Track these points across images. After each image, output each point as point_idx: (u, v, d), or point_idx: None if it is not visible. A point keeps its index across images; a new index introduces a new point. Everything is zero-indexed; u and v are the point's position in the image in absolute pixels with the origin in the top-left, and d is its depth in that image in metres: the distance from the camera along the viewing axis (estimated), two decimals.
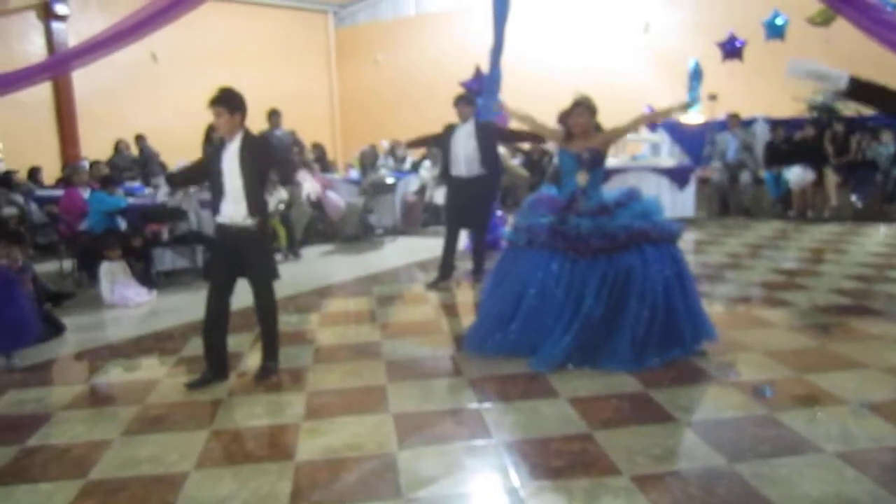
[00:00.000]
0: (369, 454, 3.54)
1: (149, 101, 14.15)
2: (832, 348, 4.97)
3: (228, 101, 4.40)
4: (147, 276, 7.33)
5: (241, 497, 3.16)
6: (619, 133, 5.34)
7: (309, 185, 9.81)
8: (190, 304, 6.67)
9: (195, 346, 5.42)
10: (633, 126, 5.28)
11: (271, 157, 4.75)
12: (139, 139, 12.74)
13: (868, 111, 10.77)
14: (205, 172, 4.85)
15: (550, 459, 3.42)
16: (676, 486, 3.15)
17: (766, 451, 3.41)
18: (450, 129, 7.14)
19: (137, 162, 12.41)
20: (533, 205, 5.17)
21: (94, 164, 10.10)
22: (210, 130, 8.87)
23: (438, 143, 7.42)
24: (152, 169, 11.87)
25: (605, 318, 4.63)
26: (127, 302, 6.80)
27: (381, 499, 3.11)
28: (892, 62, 6.43)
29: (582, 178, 4.99)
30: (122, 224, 7.79)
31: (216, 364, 4.62)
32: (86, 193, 8.15)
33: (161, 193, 8.35)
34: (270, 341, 4.79)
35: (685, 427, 3.75)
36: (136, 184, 10.98)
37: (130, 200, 8.34)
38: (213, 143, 8.83)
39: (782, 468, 3.23)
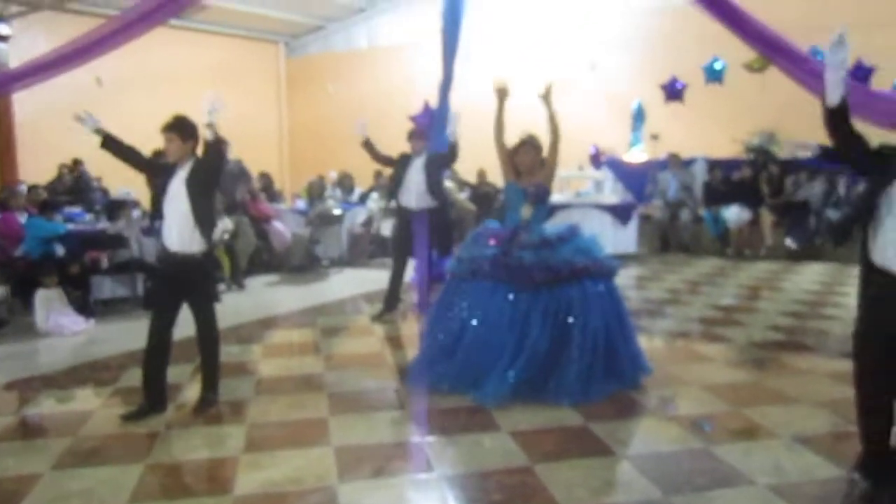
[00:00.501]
0: (310, 488, 3.50)
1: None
2: (767, 383, 5.12)
3: (181, 128, 4.39)
4: (85, 305, 7.14)
5: None
6: (552, 157, 5.29)
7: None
8: (128, 333, 6.52)
9: (132, 377, 5.30)
10: (554, 143, 5.27)
11: (217, 174, 4.71)
12: (76, 164, 12.46)
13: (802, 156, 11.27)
14: (144, 166, 4.87)
15: (491, 493, 3.43)
16: None
17: (702, 483, 3.49)
18: (405, 159, 7.24)
19: (74, 188, 12.09)
20: (476, 238, 5.24)
21: (31, 188, 9.85)
22: (156, 156, 8.76)
23: (390, 164, 7.48)
24: (90, 196, 11.59)
25: (549, 352, 4.69)
26: (62, 330, 6.61)
27: None
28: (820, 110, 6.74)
29: (527, 212, 5.08)
30: (60, 250, 7.59)
31: (154, 395, 4.51)
32: (22, 218, 7.93)
33: (101, 221, 8.16)
34: (211, 372, 4.70)
35: (623, 460, 3.81)
36: (77, 209, 10.72)
37: (69, 226, 8.14)
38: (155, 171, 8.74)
39: (716, 500, 3.31)
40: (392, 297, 7.23)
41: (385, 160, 7.55)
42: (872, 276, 3.18)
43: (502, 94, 5.39)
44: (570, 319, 4.73)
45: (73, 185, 12.19)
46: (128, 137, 4.73)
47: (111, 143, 4.59)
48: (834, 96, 3.22)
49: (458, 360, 4.84)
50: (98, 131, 4.55)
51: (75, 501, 3.39)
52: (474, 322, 4.83)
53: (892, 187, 3.08)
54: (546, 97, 5.24)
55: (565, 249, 4.94)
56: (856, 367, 3.36)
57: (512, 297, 4.79)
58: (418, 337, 6.30)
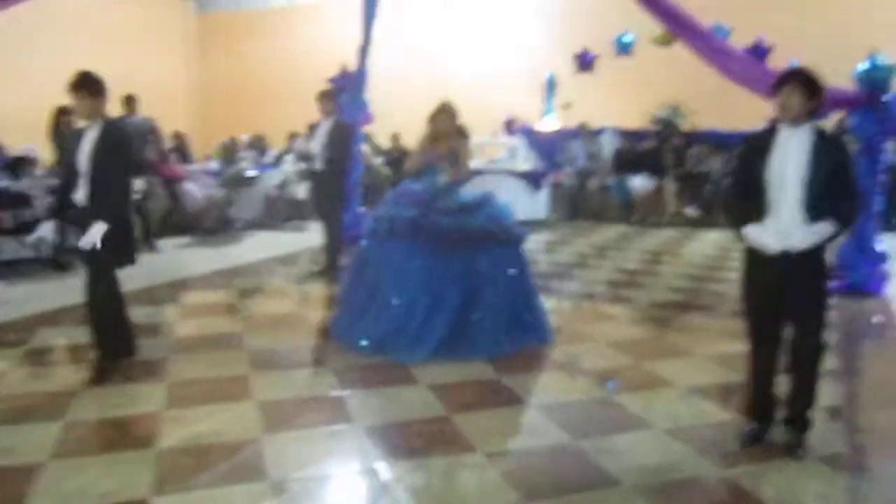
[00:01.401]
0: (235, 440, 3.58)
1: None
2: (666, 339, 5.50)
3: (90, 85, 4.28)
4: None
5: (101, 486, 3.12)
6: (463, 155, 5.44)
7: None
8: (35, 295, 6.38)
9: (42, 338, 5.27)
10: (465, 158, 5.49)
11: (128, 153, 4.59)
12: None
13: (704, 127, 11.84)
14: (70, 163, 4.70)
15: (410, 440, 3.61)
16: (527, 459, 3.44)
17: (606, 429, 3.77)
18: (314, 126, 7.31)
19: None
20: (396, 198, 5.37)
21: None
22: (60, 114, 8.43)
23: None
24: None
25: (461, 311, 4.91)
26: None
27: (247, 482, 3.18)
28: (721, 85, 7.15)
29: (443, 177, 5.23)
30: None
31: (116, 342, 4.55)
32: None
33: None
34: (105, 336, 4.53)
35: (534, 409, 4.07)
36: None
37: None
38: (61, 130, 8.40)
39: (620, 443, 3.60)
40: (330, 258, 7.37)
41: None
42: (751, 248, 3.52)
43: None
44: (480, 281, 4.96)
45: None
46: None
47: (64, 204, 4.50)
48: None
49: (374, 318, 4.98)
50: (55, 227, 4.50)
51: None
52: (391, 278, 4.99)
53: (765, 172, 3.39)
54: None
55: (480, 215, 5.14)
56: (746, 321, 3.69)
57: (427, 259, 4.96)
58: (331, 298, 6.41)
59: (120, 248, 4.45)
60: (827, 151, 3.32)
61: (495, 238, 5.10)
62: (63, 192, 4.49)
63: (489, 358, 4.77)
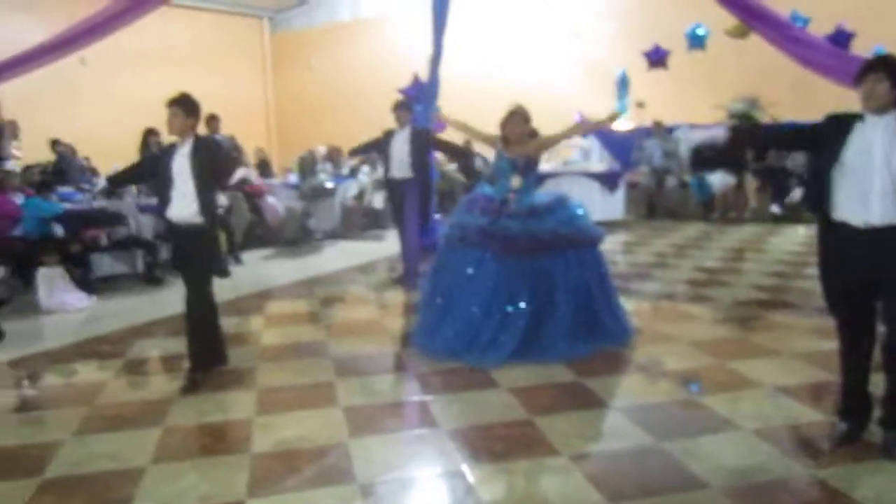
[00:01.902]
0: (323, 445, 3.69)
1: (77, 106, 13.85)
2: (751, 338, 5.36)
3: (185, 104, 4.53)
4: (86, 282, 7.27)
5: (200, 489, 3.28)
6: (552, 141, 5.65)
7: (242, 171, 9.74)
8: (130, 309, 6.69)
9: (139, 350, 5.53)
10: (565, 135, 5.63)
11: (222, 158, 4.86)
12: (55, 144, 12.41)
13: (785, 119, 11.46)
14: (149, 174, 4.94)
15: (493, 444, 3.65)
16: (610, 462, 3.43)
17: (691, 430, 3.72)
18: (389, 134, 7.45)
19: (55, 168, 11.98)
20: (469, 204, 5.44)
21: (26, 168, 9.90)
22: (148, 135, 8.86)
23: (378, 148, 7.68)
24: (72, 175, 11.55)
25: (535, 316, 4.92)
26: (66, 307, 6.74)
27: (335, 485, 3.28)
28: (801, 75, 6.92)
29: (516, 181, 5.26)
30: (59, 230, 7.69)
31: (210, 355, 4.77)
32: (17, 199, 8.01)
33: (98, 195, 8.27)
34: (201, 348, 4.72)
35: (616, 411, 4.04)
36: (68, 189, 10.76)
37: (66, 206, 8.22)
38: (150, 148, 8.82)
39: (705, 444, 3.54)
40: (408, 265, 7.49)
41: (372, 147, 7.78)
42: (830, 230, 3.40)
43: (456, 125, 5.88)
44: (554, 285, 4.96)
45: (54, 165, 12.07)
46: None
47: (118, 181, 4.75)
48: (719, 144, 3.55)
49: (451, 325, 5.04)
50: (105, 187, 4.71)
51: (102, 462, 3.57)
52: (463, 287, 5.04)
53: (845, 151, 3.28)
54: (603, 122, 5.69)
55: (552, 219, 5.14)
56: (835, 318, 3.58)
57: (498, 265, 4.98)
58: (411, 305, 6.50)
59: (210, 256, 4.70)
60: None
61: (568, 241, 5.07)
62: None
63: (567, 361, 4.76)
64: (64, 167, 11.95)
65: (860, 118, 3.32)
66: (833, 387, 3.80)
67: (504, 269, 4.97)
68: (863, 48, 7.17)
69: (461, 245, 5.18)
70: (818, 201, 3.40)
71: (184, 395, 4.45)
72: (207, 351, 4.77)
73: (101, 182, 4.75)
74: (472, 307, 4.98)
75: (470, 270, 5.04)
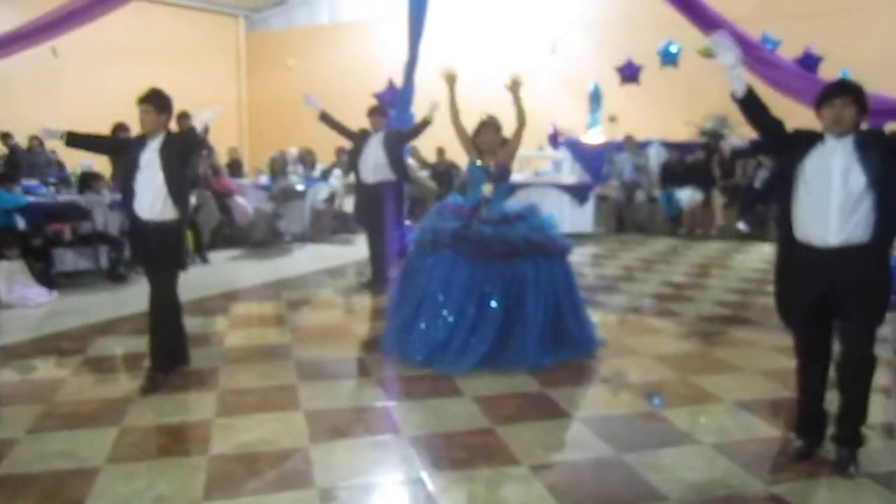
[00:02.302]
0: (284, 448, 3.66)
1: (46, 97, 13.63)
2: (713, 353, 5.43)
3: (157, 100, 4.48)
4: (47, 277, 7.14)
5: (155, 490, 3.23)
6: (514, 140, 5.47)
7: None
8: (92, 306, 6.59)
9: (99, 347, 5.43)
10: (519, 129, 5.46)
11: (193, 144, 4.81)
12: (5, 137, 12.15)
13: (753, 136, 11.64)
14: (109, 149, 5.15)
15: (455, 452, 3.64)
16: (571, 473, 3.44)
17: (651, 443, 3.75)
18: (363, 135, 7.38)
19: (7, 161, 11.70)
20: (440, 210, 5.45)
21: None
22: (117, 130, 8.72)
23: (350, 138, 7.56)
24: (38, 168, 11.30)
25: (505, 322, 4.94)
26: (26, 302, 6.61)
27: (295, 489, 3.25)
28: (770, 95, 7.04)
29: (488, 189, 5.29)
30: (21, 223, 7.55)
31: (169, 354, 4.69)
32: None
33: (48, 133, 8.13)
34: (165, 346, 4.65)
35: (578, 422, 4.06)
36: (33, 182, 10.55)
37: (30, 199, 8.07)
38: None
39: (665, 457, 3.57)
40: (376, 270, 7.43)
41: (345, 132, 7.63)
42: (795, 251, 3.45)
43: (451, 80, 5.59)
44: (524, 291, 4.97)
45: (7, 158, 11.79)
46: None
47: (77, 140, 4.69)
48: (738, 90, 3.62)
49: (422, 331, 5.02)
50: (63, 136, 4.62)
51: (57, 461, 3.50)
52: (434, 289, 5.04)
53: (803, 168, 3.35)
54: (513, 88, 5.39)
55: (523, 226, 5.17)
56: (792, 336, 3.64)
57: (471, 267, 4.99)
58: (378, 310, 6.48)
59: (177, 254, 4.64)
60: (874, 148, 3.27)
61: (539, 248, 5.11)
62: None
63: (533, 371, 4.78)
64: (18, 161, 11.68)
65: (821, 138, 3.39)
66: (791, 403, 3.86)
67: (476, 272, 4.98)
68: (830, 72, 7.33)
69: (432, 249, 5.18)
70: (781, 219, 3.47)
71: (144, 395, 4.39)
72: (170, 350, 4.70)
73: (59, 129, 4.63)
74: (443, 310, 4.98)
75: (441, 274, 5.05)
